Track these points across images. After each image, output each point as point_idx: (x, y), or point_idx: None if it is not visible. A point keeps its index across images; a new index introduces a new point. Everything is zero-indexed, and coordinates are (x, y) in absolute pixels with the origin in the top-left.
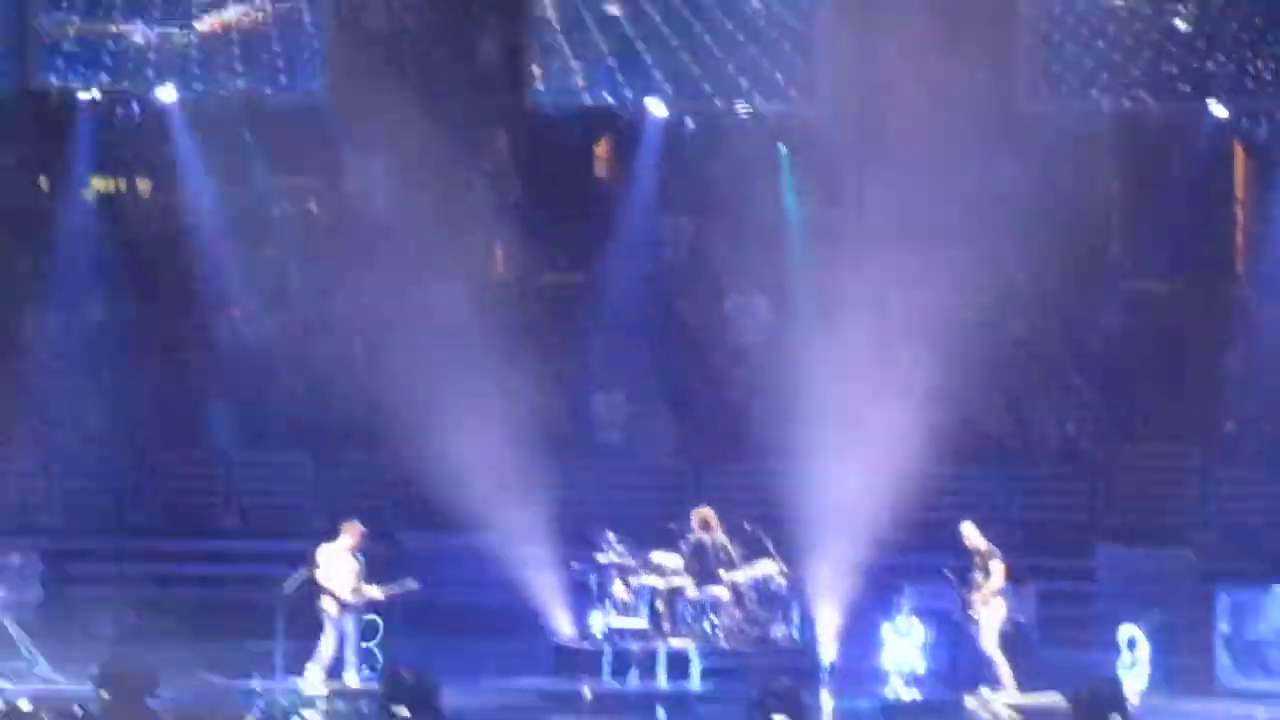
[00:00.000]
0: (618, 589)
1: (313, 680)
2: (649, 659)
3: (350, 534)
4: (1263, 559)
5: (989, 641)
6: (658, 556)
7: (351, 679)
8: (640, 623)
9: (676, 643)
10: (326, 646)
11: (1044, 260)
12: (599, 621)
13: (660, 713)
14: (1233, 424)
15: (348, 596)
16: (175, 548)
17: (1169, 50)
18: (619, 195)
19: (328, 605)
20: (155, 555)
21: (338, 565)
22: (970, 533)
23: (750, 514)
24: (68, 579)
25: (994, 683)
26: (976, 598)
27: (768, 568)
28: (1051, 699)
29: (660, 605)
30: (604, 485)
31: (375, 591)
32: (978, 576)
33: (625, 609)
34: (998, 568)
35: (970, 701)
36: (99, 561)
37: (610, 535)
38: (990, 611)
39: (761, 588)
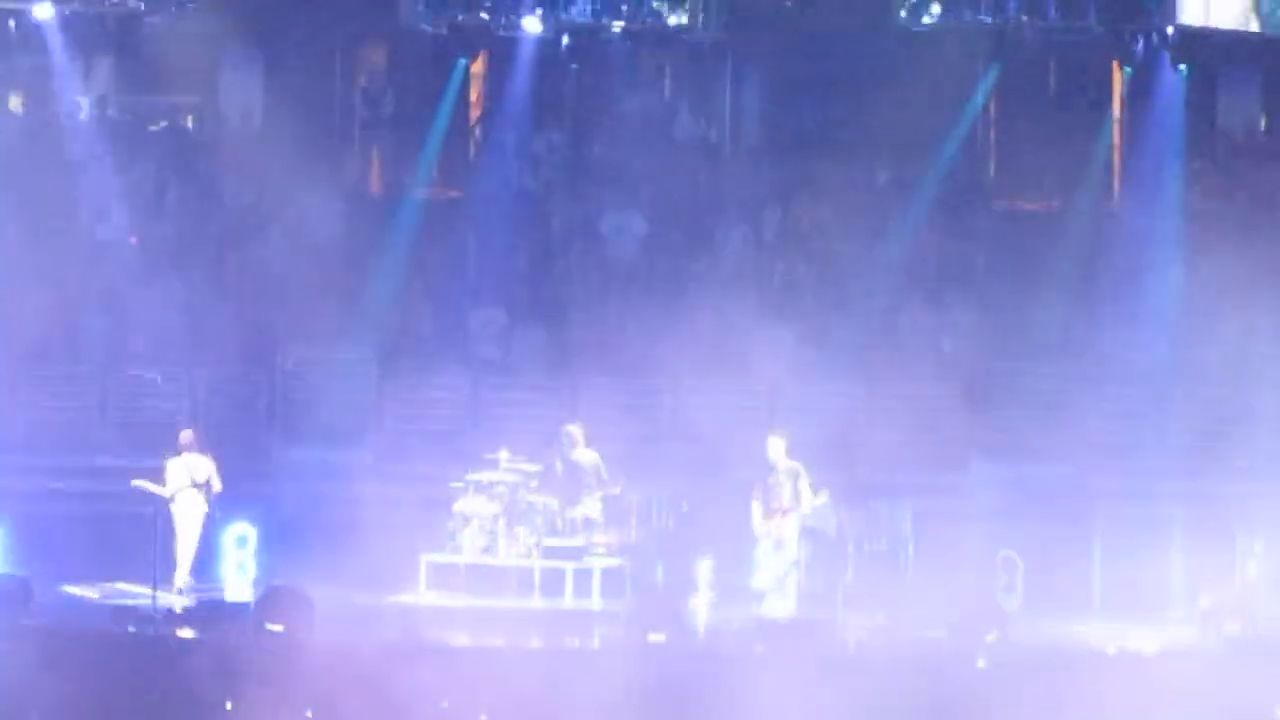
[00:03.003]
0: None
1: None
2: (525, 577)
3: (189, 439)
4: (1139, 479)
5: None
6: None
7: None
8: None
9: (551, 561)
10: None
11: (920, 177)
12: (472, 539)
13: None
14: (1107, 342)
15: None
16: (50, 463)
17: None
18: (494, 111)
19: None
20: (30, 470)
21: (194, 471)
22: (777, 447)
23: (626, 431)
24: None
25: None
26: (779, 515)
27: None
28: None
29: (538, 522)
30: (480, 401)
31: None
32: (781, 493)
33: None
34: (806, 485)
35: None
36: None
37: (504, 453)
38: (788, 527)
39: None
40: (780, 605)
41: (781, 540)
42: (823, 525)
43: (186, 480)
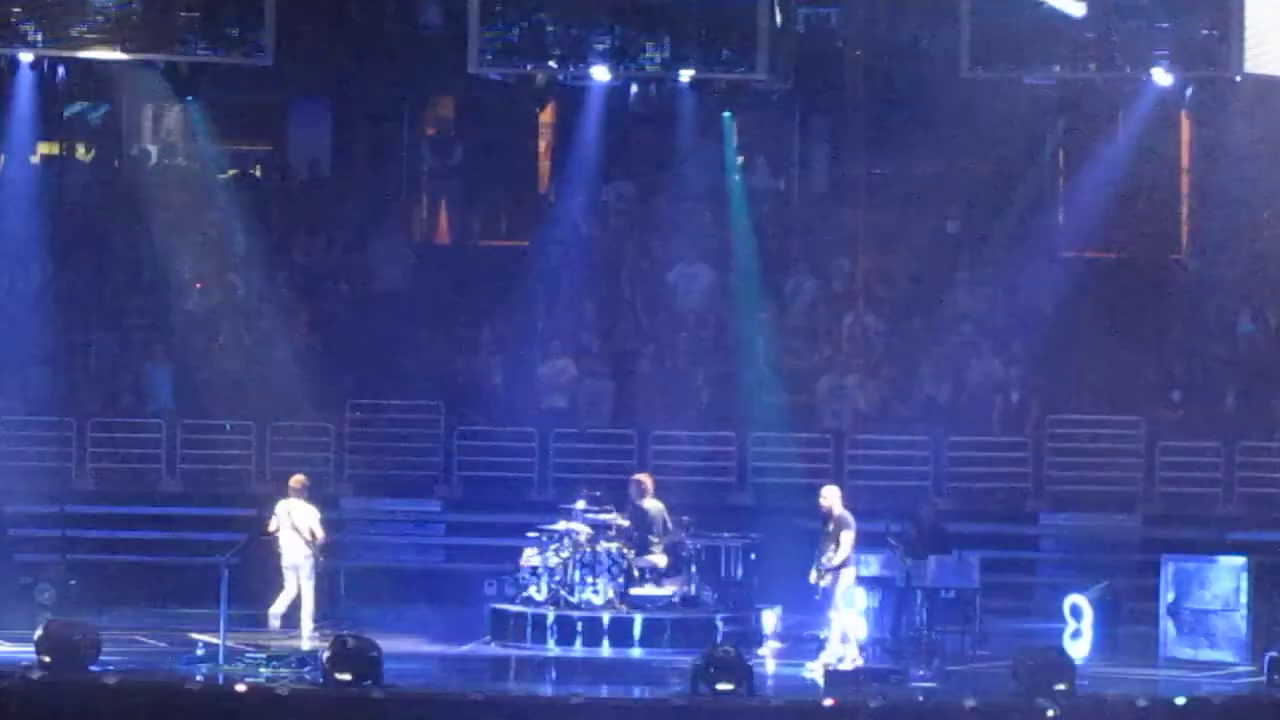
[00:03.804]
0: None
1: (272, 626)
2: (593, 626)
3: (298, 485)
4: (1207, 528)
5: (832, 609)
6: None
7: (305, 637)
8: (593, 591)
9: (619, 609)
10: (285, 598)
11: (987, 227)
12: (542, 589)
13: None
14: (1178, 394)
15: (308, 542)
16: (118, 513)
17: (1114, 19)
18: (562, 161)
19: (291, 555)
20: (98, 521)
21: (295, 516)
22: (830, 497)
23: (694, 480)
24: (9, 546)
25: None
26: (824, 566)
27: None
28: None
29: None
30: (549, 451)
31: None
32: (828, 544)
33: (571, 576)
34: (848, 538)
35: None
36: (42, 528)
37: (580, 503)
38: (838, 580)
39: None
40: (838, 655)
41: (830, 591)
42: (892, 575)
43: (288, 524)
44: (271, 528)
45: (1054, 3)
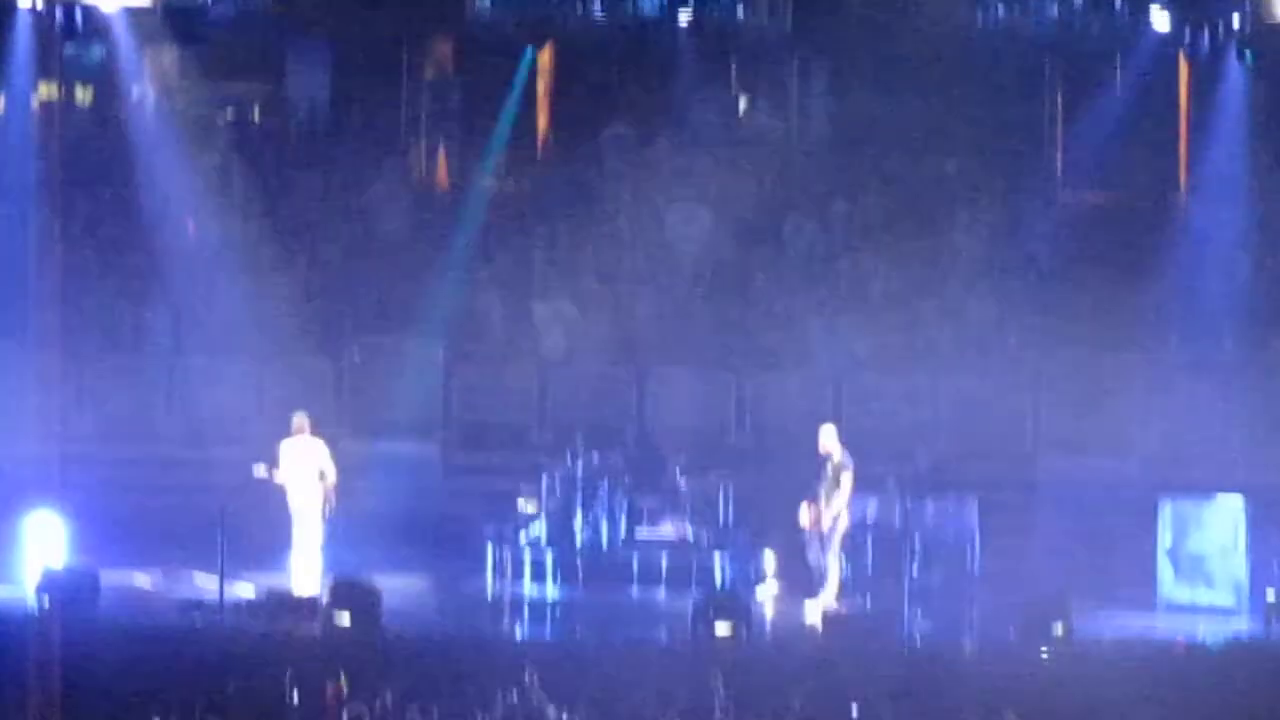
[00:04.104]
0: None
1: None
2: (593, 567)
3: (300, 423)
4: (1205, 471)
5: (830, 552)
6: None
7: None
8: (593, 532)
9: (619, 551)
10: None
11: (986, 169)
12: (542, 531)
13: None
14: (1175, 337)
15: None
16: (116, 454)
17: None
18: (560, 104)
19: (299, 495)
20: (97, 462)
21: (302, 455)
22: (829, 438)
23: (692, 421)
24: (8, 487)
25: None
26: (824, 508)
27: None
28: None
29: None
30: (548, 393)
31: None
32: (826, 486)
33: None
34: (848, 479)
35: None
36: (40, 468)
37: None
38: (837, 524)
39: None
40: (831, 598)
41: (822, 532)
42: (887, 518)
43: (300, 465)
44: (266, 473)
45: None
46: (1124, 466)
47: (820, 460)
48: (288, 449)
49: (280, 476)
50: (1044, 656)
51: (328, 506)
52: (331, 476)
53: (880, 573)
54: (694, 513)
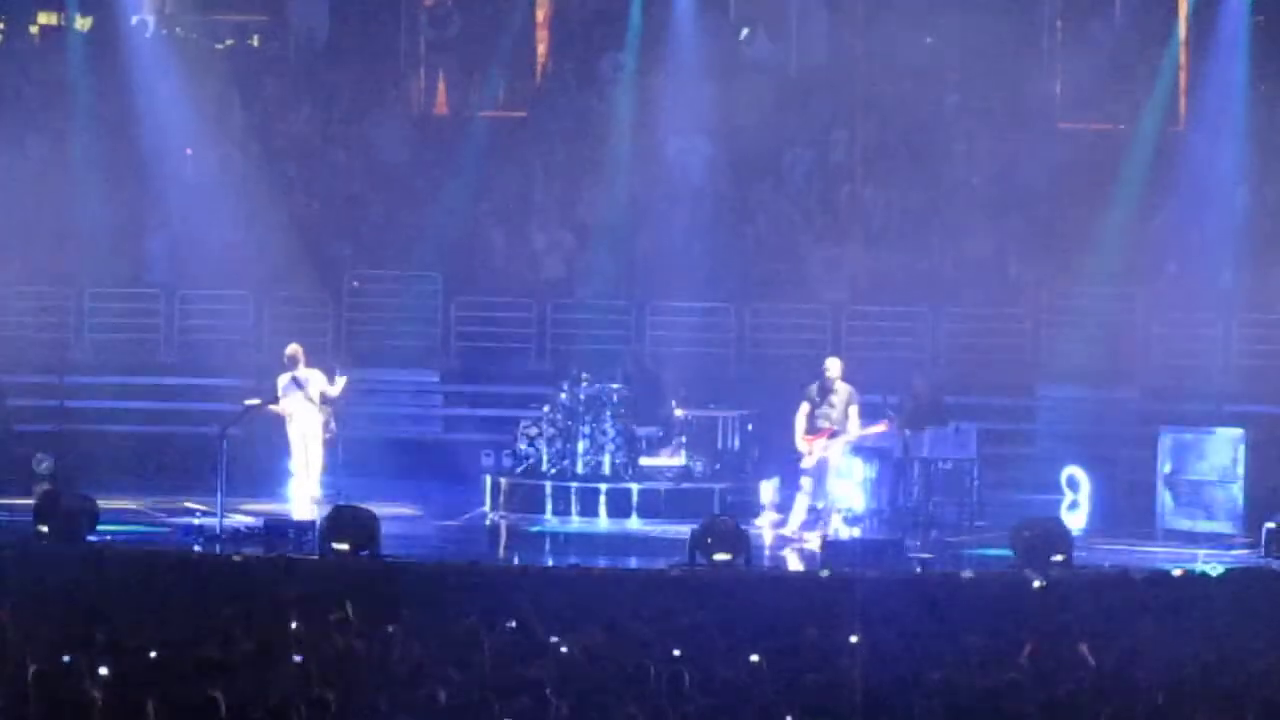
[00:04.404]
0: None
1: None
2: (590, 497)
3: (293, 354)
4: (1204, 401)
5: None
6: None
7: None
8: (590, 462)
9: (616, 481)
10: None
11: (986, 99)
12: (540, 460)
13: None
14: (1175, 266)
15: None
16: (115, 383)
17: None
18: (560, 32)
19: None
20: (96, 391)
21: (301, 383)
22: (835, 369)
23: (692, 352)
24: (8, 416)
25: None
26: (827, 439)
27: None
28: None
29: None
30: (547, 322)
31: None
32: (829, 416)
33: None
34: (855, 413)
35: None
36: (39, 398)
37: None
38: (834, 449)
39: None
40: (830, 528)
41: (827, 460)
42: (889, 446)
43: (297, 394)
44: (259, 404)
45: None
46: (1124, 396)
47: (822, 391)
48: (285, 379)
49: (277, 408)
50: (1035, 585)
51: (326, 435)
52: (329, 405)
53: (880, 502)
54: (693, 443)
